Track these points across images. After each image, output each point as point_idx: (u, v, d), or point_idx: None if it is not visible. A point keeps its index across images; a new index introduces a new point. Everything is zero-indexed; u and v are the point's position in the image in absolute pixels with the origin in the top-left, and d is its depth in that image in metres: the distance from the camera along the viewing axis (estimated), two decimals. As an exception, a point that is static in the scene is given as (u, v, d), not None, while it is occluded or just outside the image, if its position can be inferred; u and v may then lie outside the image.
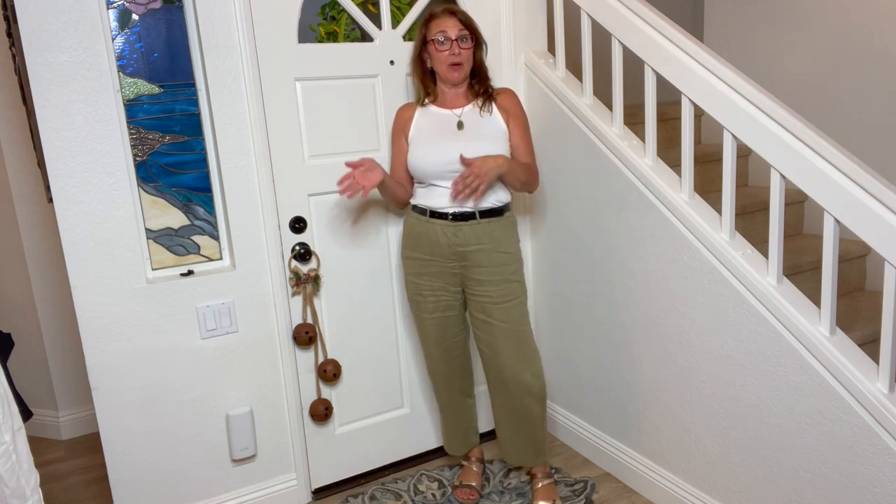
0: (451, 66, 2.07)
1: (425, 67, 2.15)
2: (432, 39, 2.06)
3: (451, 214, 2.11)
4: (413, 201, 2.20)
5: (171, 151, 2.10)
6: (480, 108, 2.13)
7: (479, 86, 2.14)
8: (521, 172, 2.10)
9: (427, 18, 2.11)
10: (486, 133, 2.11)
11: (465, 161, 2.01)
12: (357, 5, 2.28)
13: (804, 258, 2.40)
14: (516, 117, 2.16)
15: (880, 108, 2.52)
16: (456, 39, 2.04)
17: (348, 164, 2.05)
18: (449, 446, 2.50)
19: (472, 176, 1.97)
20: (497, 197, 2.13)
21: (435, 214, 2.13)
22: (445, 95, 2.16)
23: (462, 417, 2.43)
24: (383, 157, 2.35)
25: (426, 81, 2.16)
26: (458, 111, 2.14)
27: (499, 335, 2.14)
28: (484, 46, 2.14)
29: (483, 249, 2.11)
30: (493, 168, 1.99)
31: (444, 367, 2.32)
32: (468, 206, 2.09)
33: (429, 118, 2.15)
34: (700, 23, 3.27)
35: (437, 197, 2.12)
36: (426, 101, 2.17)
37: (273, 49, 2.13)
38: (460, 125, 2.12)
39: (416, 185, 2.20)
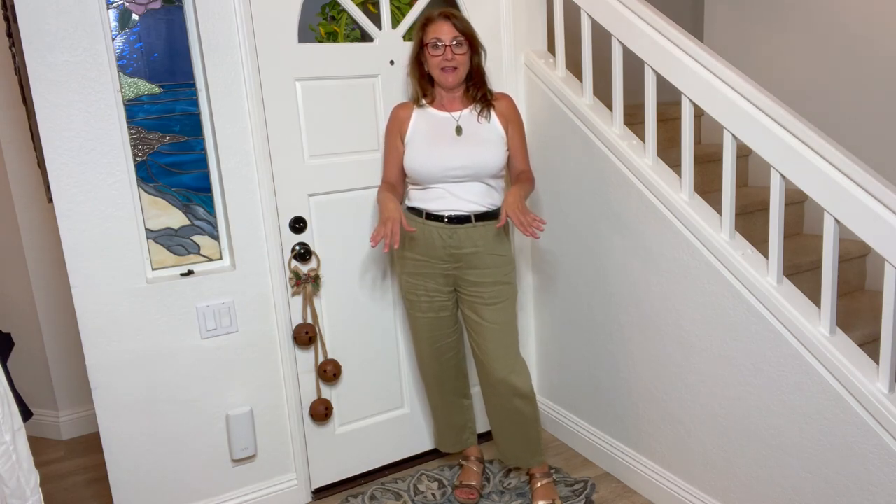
0: (445, 71, 2.08)
1: (423, 69, 2.15)
2: (427, 43, 2.07)
3: (447, 217, 2.11)
4: (408, 203, 2.20)
5: (171, 151, 2.09)
6: (478, 113, 2.14)
7: (476, 90, 2.15)
8: (529, 190, 2.17)
9: (424, 22, 2.11)
10: (485, 139, 2.12)
11: (503, 217, 2.01)
12: (357, 5, 2.28)
13: (804, 258, 2.39)
14: (515, 124, 2.19)
15: (880, 108, 2.52)
16: (450, 45, 2.05)
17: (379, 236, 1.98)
18: (440, 443, 2.51)
19: (521, 214, 1.95)
20: (492, 201, 2.15)
21: (431, 216, 2.13)
22: (443, 98, 2.16)
23: (456, 417, 2.44)
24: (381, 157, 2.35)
25: (423, 83, 2.17)
26: (455, 115, 2.15)
27: (487, 336, 2.15)
28: (482, 51, 2.14)
29: (478, 252, 2.13)
30: (519, 201, 2.00)
31: (436, 366, 2.33)
32: (464, 210, 2.11)
33: (427, 120, 2.16)
34: (700, 23, 3.27)
35: (433, 199, 2.12)
36: (423, 101, 2.17)
37: (273, 49, 2.13)
38: (459, 130, 2.12)
39: (410, 186, 2.20)
